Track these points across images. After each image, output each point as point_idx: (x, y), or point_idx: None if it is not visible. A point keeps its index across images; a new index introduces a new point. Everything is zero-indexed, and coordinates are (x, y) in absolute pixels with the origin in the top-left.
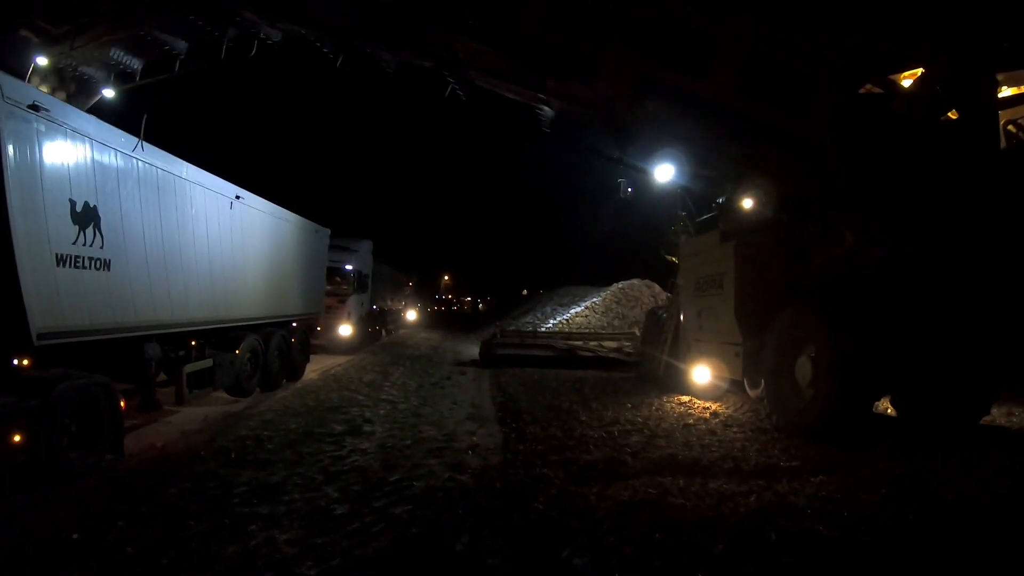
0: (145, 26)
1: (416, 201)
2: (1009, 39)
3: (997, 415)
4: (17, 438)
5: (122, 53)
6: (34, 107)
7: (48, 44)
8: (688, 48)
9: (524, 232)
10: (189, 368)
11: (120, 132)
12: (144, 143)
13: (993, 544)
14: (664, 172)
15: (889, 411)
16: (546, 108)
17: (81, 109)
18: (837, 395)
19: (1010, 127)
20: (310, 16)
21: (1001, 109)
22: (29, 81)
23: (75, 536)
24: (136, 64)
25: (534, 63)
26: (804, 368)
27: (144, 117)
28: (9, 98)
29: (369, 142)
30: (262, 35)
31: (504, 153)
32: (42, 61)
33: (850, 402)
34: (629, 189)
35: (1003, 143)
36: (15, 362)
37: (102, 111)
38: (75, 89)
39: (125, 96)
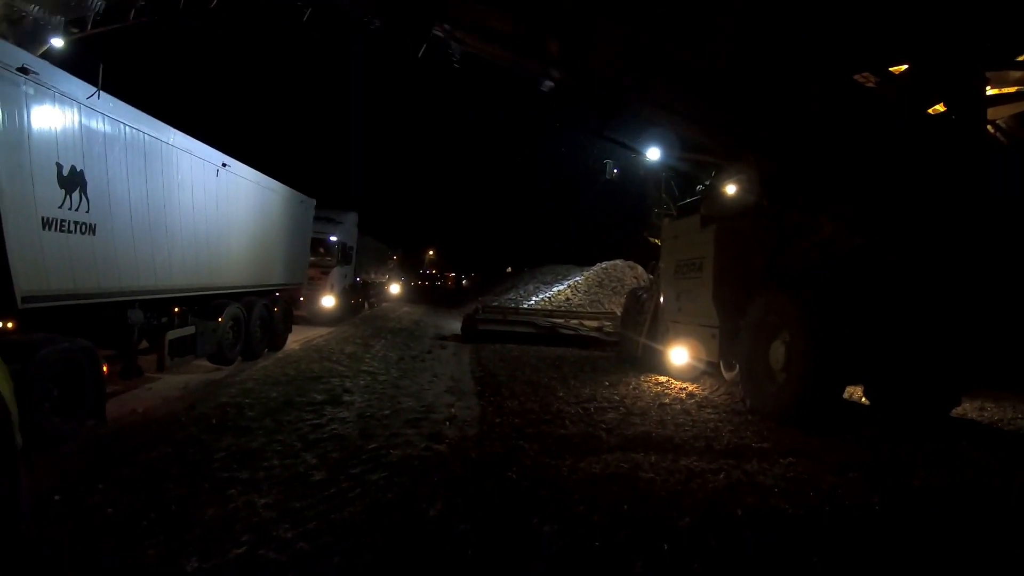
0: None
1: (403, 175)
2: (992, 39)
3: (969, 409)
4: None
5: None
6: (23, 70)
7: None
8: (682, 20)
9: (510, 210)
10: (171, 335)
11: (109, 97)
12: (129, 106)
13: (953, 531)
14: (651, 153)
15: (863, 400)
16: (545, 80)
17: None
18: (808, 380)
19: (988, 126)
20: None
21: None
22: None
23: (56, 498)
24: (97, 6)
25: (531, 27)
26: (778, 353)
27: (100, 67)
28: None
29: (357, 115)
30: None
31: (492, 131)
32: None
33: (821, 388)
34: (615, 170)
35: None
36: None
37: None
38: (22, 35)
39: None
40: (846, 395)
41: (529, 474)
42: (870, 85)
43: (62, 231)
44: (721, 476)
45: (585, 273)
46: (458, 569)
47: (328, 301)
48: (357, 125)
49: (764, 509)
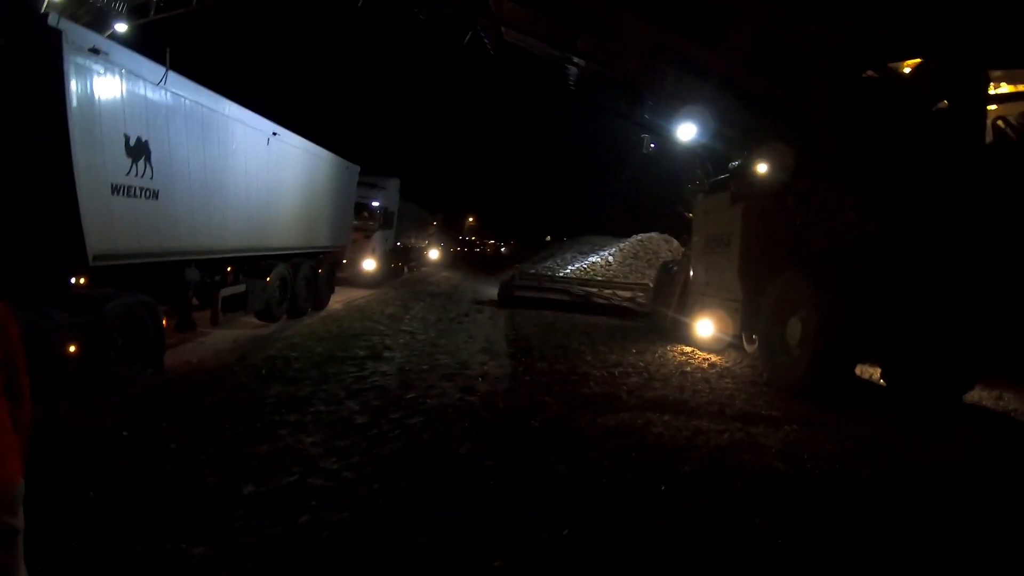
0: None
1: (446, 143)
2: (1009, 38)
3: (986, 397)
4: (72, 349)
5: None
6: (94, 50)
7: None
8: (701, 18)
9: (550, 180)
10: (224, 292)
11: (172, 73)
12: (189, 80)
13: (933, 505)
14: (685, 131)
15: (880, 381)
16: (573, 67)
17: None
18: (820, 356)
19: (999, 122)
20: None
21: (996, 104)
22: (45, 8)
23: (124, 433)
24: None
25: (560, 20)
26: (794, 328)
27: (167, 50)
28: (72, 42)
29: (401, 83)
30: None
31: (534, 102)
32: None
33: (832, 363)
34: (652, 145)
35: (991, 137)
36: (72, 280)
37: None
38: (90, 20)
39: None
40: (865, 375)
41: (551, 424)
42: (876, 78)
43: (129, 196)
44: (726, 436)
45: (621, 244)
46: (482, 495)
47: (370, 264)
48: (401, 95)
49: (758, 466)
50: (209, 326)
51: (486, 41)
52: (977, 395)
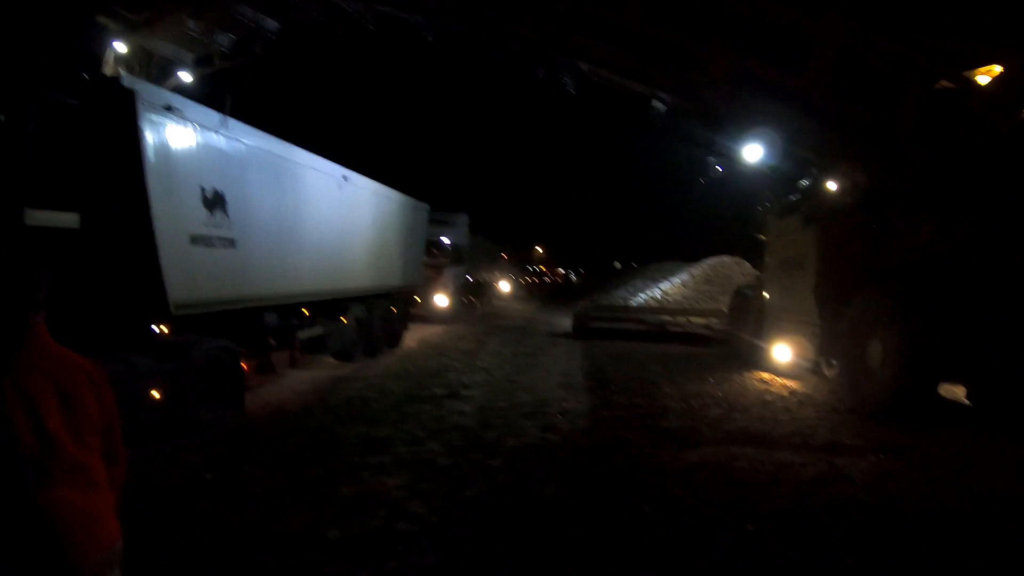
0: (229, 7)
1: (512, 174)
2: None
3: None
4: (156, 395)
5: (208, 32)
6: (168, 107)
7: (126, 30)
8: (783, 45)
9: (617, 206)
10: (302, 335)
11: (240, 124)
12: (260, 130)
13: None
14: (752, 152)
15: (965, 401)
16: (656, 103)
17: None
18: (902, 378)
19: None
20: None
21: None
22: (108, 65)
23: (208, 476)
24: (224, 42)
25: (639, 55)
26: (875, 350)
27: (228, 98)
28: (147, 101)
29: (465, 119)
30: (357, 16)
31: (597, 129)
32: (120, 47)
33: (915, 385)
34: (719, 168)
35: None
36: (155, 329)
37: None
38: (155, 73)
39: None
40: (950, 396)
41: (633, 462)
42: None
43: (207, 246)
44: (810, 469)
45: (692, 270)
46: (569, 538)
47: (442, 300)
48: (467, 130)
49: (845, 500)
50: (288, 368)
51: (564, 78)
52: None
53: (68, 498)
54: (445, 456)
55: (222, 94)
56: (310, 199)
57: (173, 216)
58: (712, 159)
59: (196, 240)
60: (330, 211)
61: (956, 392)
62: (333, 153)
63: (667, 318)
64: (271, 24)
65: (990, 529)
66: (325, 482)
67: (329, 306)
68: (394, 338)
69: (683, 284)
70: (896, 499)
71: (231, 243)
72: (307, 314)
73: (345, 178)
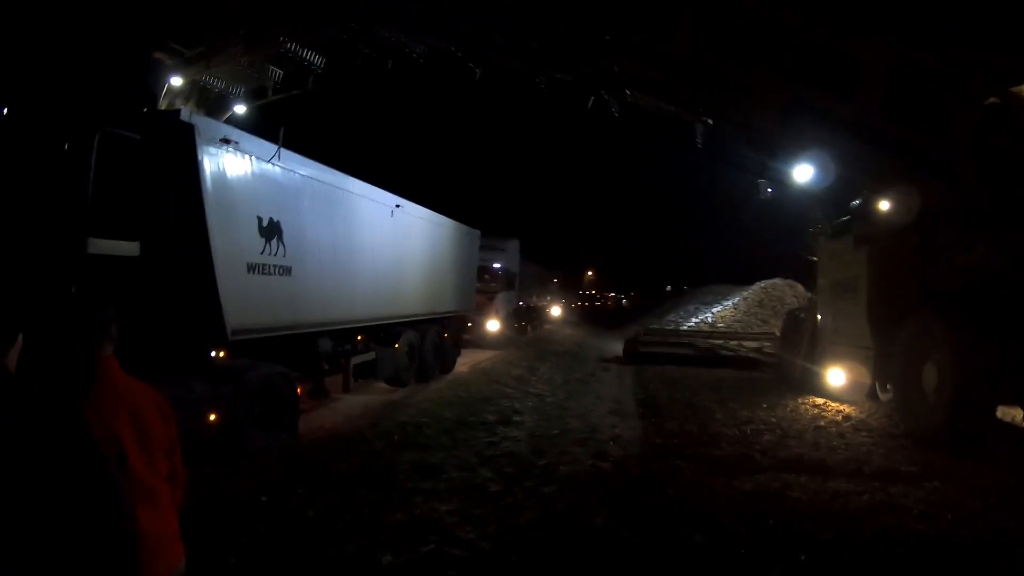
0: (281, 46)
1: (564, 199)
2: None
3: None
4: (212, 418)
5: (259, 68)
6: (225, 140)
7: (182, 65)
8: (835, 70)
9: (670, 229)
10: (355, 360)
11: (295, 155)
12: (314, 161)
13: None
14: (803, 173)
15: (1021, 423)
16: (699, 124)
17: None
18: (958, 402)
19: None
20: (465, 35)
21: None
22: (164, 98)
23: (263, 499)
24: (276, 76)
25: (688, 82)
26: (930, 374)
27: (281, 130)
28: (204, 134)
29: (517, 145)
30: (406, 49)
31: (649, 153)
32: (176, 81)
33: (971, 409)
34: (769, 190)
35: None
36: (212, 354)
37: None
38: (209, 105)
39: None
40: (1007, 418)
41: (685, 490)
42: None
43: (263, 274)
44: (865, 497)
45: (744, 293)
46: (620, 567)
47: (494, 325)
48: (518, 156)
49: (899, 529)
50: (341, 392)
51: (612, 106)
52: None
53: (144, 520)
54: (497, 483)
55: (276, 125)
56: (363, 227)
57: (230, 245)
58: (762, 182)
59: (252, 268)
60: (382, 238)
61: (1015, 415)
62: (386, 182)
63: (719, 342)
64: (317, 59)
65: None
66: (378, 507)
67: (382, 332)
68: (446, 364)
69: (735, 307)
70: (953, 529)
71: (286, 271)
72: (360, 339)
73: (398, 206)
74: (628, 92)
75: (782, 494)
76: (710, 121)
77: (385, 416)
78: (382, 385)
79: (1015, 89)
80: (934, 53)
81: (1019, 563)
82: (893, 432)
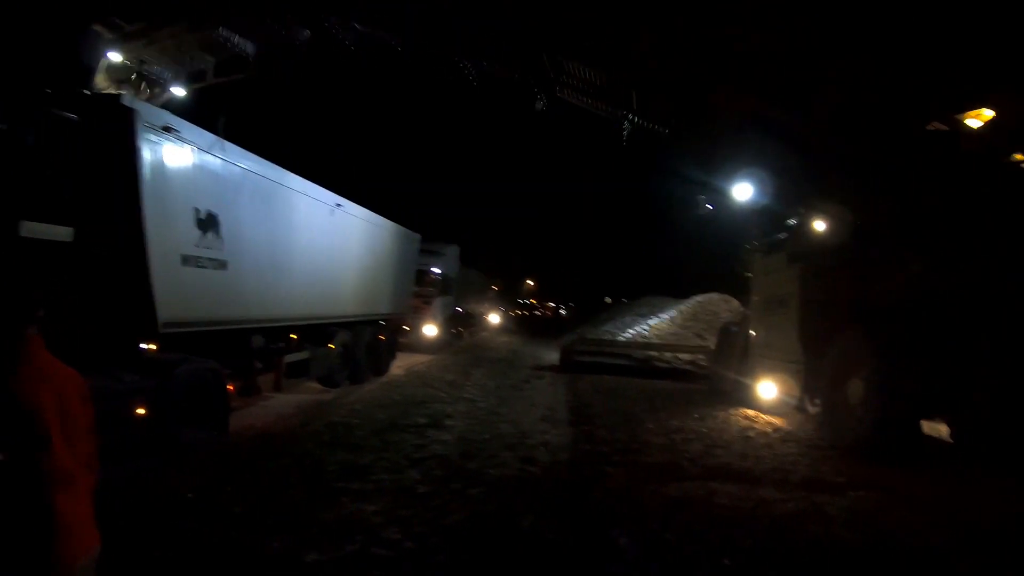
0: (222, 27)
1: (506, 208)
2: None
3: None
4: (140, 411)
5: (195, 52)
6: (166, 128)
7: (121, 40)
8: (788, 86)
9: (610, 241)
10: (288, 358)
11: (237, 147)
12: (255, 155)
13: None
14: (742, 191)
15: (948, 437)
16: (626, 124)
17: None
18: (883, 414)
19: None
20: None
21: None
22: (99, 76)
23: (190, 495)
24: (207, 64)
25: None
26: (856, 388)
27: (221, 120)
28: (146, 121)
29: (462, 154)
30: (340, 37)
31: (591, 166)
32: (114, 57)
33: (895, 422)
34: (708, 206)
35: None
36: (142, 346)
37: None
38: (146, 86)
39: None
40: (933, 433)
41: (613, 496)
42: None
43: (199, 267)
44: (790, 505)
45: (680, 306)
46: (545, 569)
47: (430, 330)
48: (463, 166)
49: (823, 536)
50: (273, 391)
51: (541, 102)
52: None
53: (62, 503)
54: (425, 484)
55: (216, 112)
56: (302, 224)
57: (166, 236)
58: (701, 197)
59: (187, 260)
60: (321, 237)
61: (939, 429)
62: (327, 180)
63: (653, 354)
64: (249, 48)
65: (972, 566)
66: (305, 506)
67: (316, 331)
68: (380, 366)
69: (671, 320)
70: (876, 536)
71: (222, 265)
72: (294, 338)
73: (338, 205)
74: (559, 88)
75: (708, 501)
76: (637, 119)
77: (316, 416)
78: (314, 385)
79: (958, 116)
80: (885, 76)
81: (938, 568)
82: (820, 444)
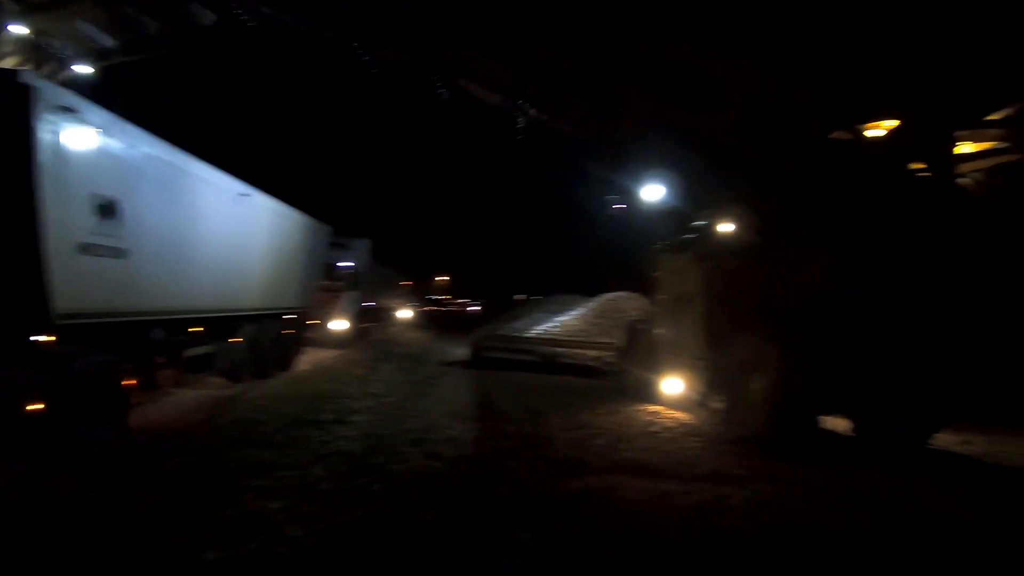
0: (128, 6)
1: (416, 202)
2: (969, 102)
3: (952, 442)
4: (36, 406)
5: (96, 30)
6: (66, 108)
7: (25, 13)
8: (694, 88)
9: (522, 239)
10: (190, 352)
11: (141, 131)
12: (160, 140)
13: (900, 562)
14: (652, 192)
15: (849, 433)
16: (523, 117)
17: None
18: (782, 408)
19: (966, 179)
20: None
21: (963, 163)
22: (1, 49)
23: (90, 494)
24: (108, 42)
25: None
26: (757, 384)
27: (121, 98)
28: (44, 99)
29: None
30: (243, 18)
31: (504, 162)
32: (17, 30)
33: (794, 417)
34: (620, 206)
35: (958, 194)
36: (37, 339)
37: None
38: (48, 63)
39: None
40: (835, 428)
41: (517, 490)
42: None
43: (97, 255)
44: (693, 497)
45: (589, 304)
46: (448, 564)
47: (339, 324)
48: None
49: (727, 528)
50: (174, 386)
51: (441, 91)
52: (944, 440)
53: None
54: (328, 481)
55: (118, 92)
56: (206, 213)
57: (63, 222)
58: (610, 197)
59: (85, 248)
60: (227, 226)
61: (840, 425)
62: (235, 163)
63: (561, 350)
64: (153, 26)
65: (868, 552)
66: (206, 504)
67: (221, 324)
68: (286, 360)
69: (580, 318)
70: (776, 526)
71: (122, 254)
72: (197, 331)
73: (245, 194)
74: (460, 79)
75: (612, 495)
76: (537, 113)
77: (219, 412)
78: (218, 380)
79: (860, 126)
80: (792, 83)
81: (836, 556)
82: (724, 438)
